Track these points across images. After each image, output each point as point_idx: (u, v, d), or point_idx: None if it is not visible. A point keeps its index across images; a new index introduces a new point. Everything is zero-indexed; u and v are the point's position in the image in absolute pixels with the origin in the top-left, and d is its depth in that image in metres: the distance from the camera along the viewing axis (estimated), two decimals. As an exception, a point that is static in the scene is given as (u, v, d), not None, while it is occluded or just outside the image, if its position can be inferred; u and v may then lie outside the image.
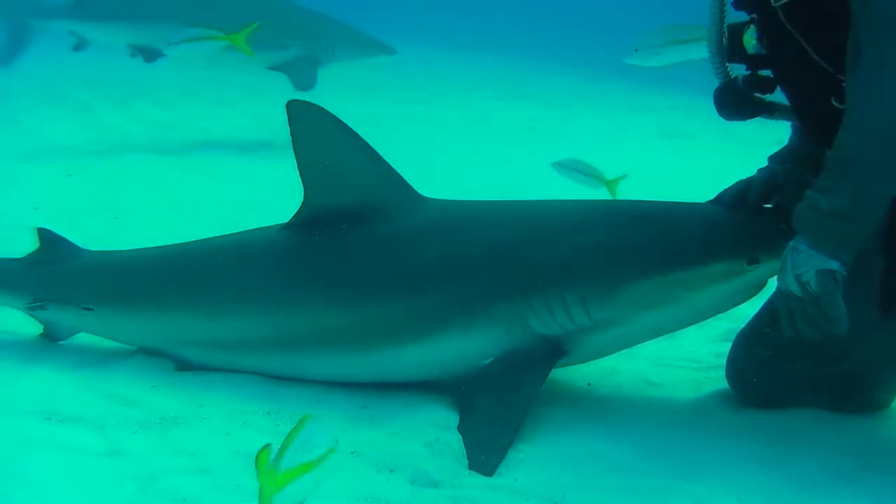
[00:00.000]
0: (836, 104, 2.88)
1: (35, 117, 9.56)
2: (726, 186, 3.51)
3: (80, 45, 8.68)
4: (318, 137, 3.61)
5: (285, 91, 10.98)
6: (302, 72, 8.76)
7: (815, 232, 2.78)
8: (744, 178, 3.47)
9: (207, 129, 9.48)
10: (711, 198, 3.53)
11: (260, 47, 8.65)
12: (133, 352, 3.94)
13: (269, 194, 6.62)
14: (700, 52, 4.63)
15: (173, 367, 3.78)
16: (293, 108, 3.59)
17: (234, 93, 11.19)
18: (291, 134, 3.60)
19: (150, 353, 3.86)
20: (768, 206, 3.40)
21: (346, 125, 3.59)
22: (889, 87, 2.65)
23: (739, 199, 3.41)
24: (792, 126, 3.47)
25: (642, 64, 4.82)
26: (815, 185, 2.82)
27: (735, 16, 3.31)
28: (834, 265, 2.75)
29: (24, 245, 4.18)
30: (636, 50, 4.69)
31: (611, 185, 5.10)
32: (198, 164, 7.91)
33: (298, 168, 3.63)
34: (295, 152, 3.61)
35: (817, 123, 3.12)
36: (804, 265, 2.78)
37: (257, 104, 10.62)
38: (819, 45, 2.91)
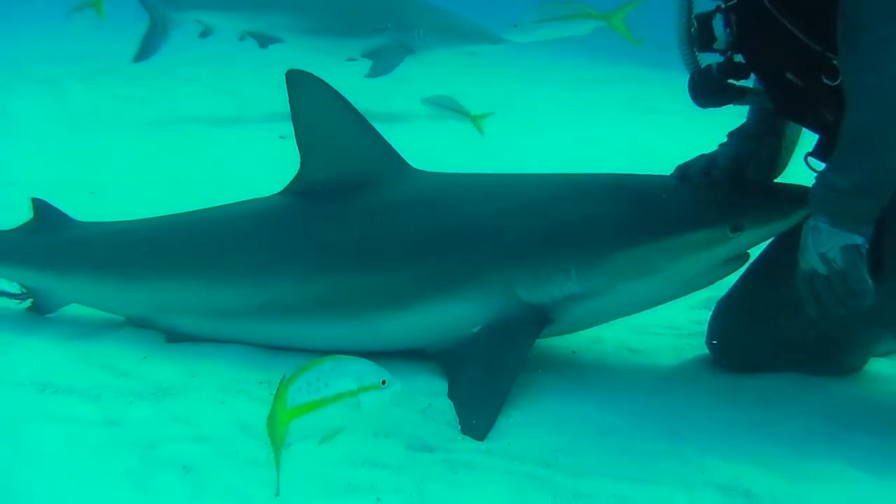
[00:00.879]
0: (827, 81, 2.95)
1: (2, 93, 9.48)
2: (687, 160, 3.57)
3: (204, 33, 9.26)
4: (315, 107, 3.68)
5: (254, 67, 11.01)
6: (385, 58, 9.06)
7: (836, 210, 2.85)
8: (706, 152, 3.54)
9: (179, 105, 9.42)
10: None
11: (354, 34, 9.08)
12: (122, 324, 3.97)
13: (247, 169, 6.68)
14: (574, 30, 4.87)
15: (164, 338, 3.82)
16: (292, 77, 3.66)
17: (204, 69, 11.15)
18: (290, 103, 3.67)
19: (141, 325, 3.90)
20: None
21: (342, 97, 3.66)
22: (895, 63, 2.72)
23: (704, 174, 3.47)
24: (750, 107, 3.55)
25: (520, 39, 5.04)
26: (828, 165, 2.90)
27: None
28: (858, 240, 2.83)
29: (1, 219, 4.22)
30: (514, 25, 4.90)
31: (476, 119, 5.27)
32: (172, 140, 7.88)
33: (296, 137, 3.69)
34: (293, 121, 3.68)
35: (796, 102, 3.19)
36: (827, 243, 2.85)
37: (228, 80, 10.60)
38: (806, 25, 2.96)
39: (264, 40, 9.21)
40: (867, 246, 2.85)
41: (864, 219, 2.84)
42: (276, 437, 2.35)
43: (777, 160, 3.50)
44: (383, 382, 2.47)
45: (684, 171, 3.52)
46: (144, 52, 9.03)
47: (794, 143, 3.54)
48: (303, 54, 9.36)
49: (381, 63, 9.04)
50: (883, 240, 3.02)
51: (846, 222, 2.84)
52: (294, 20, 9.14)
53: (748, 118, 3.54)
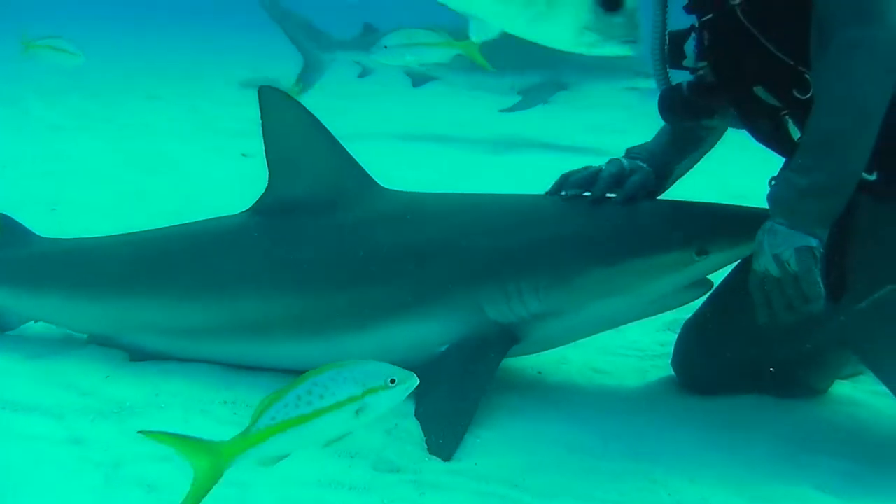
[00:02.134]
0: (798, 95, 3.00)
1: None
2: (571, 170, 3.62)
3: (363, 73, 9.84)
4: (285, 125, 3.65)
5: (213, 84, 11.02)
6: (535, 93, 9.41)
7: (794, 210, 2.87)
8: (593, 165, 3.58)
9: (144, 122, 9.38)
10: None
11: (510, 71, 9.36)
12: (85, 342, 3.92)
13: (210, 186, 6.66)
14: (437, 57, 5.09)
15: (127, 357, 3.77)
16: (265, 94, 3.64)
17: (168, 86, 11.11)
18: (262, 120, 3.65)
19: (104, 343, 3.84)
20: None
21: (313, 115, 3.63)
22: (862, 67, 2.77)
23: (583, 188, 3.52)
24: (662, 129, 3.62)
25: (387, 62, 5.27)
26: (790, 166, 2.92)
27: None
28: (813, 242, 2.85)
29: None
30: (385, 47, 5.11)
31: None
32: (137, 157, 7.84)
33: (266, 154, 3.68)
34: (263, 138, 3.66)
35: (764, 120, 3.22)
36: (783, 245, 2.86)
37: (188, 97, 10.56)
38: (779, 39, 3.01)
39: (420, 79, 9.68)
40: (822, 249, 2.87)
41: (820, 221, 2.87)
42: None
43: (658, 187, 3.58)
44: (392, 381, 2.42)
45: (565, 179, 3.57)
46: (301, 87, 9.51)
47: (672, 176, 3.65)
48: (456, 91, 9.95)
49: (529, 98, 9.38)
50: (845, 263, 3.06)
51: (803, 224, 2.86)
52: (452, 59, 9.40)
53: (653, 140, 3.61)
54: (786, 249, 2.86)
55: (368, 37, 9.51)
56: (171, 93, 10.90)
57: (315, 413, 2.34)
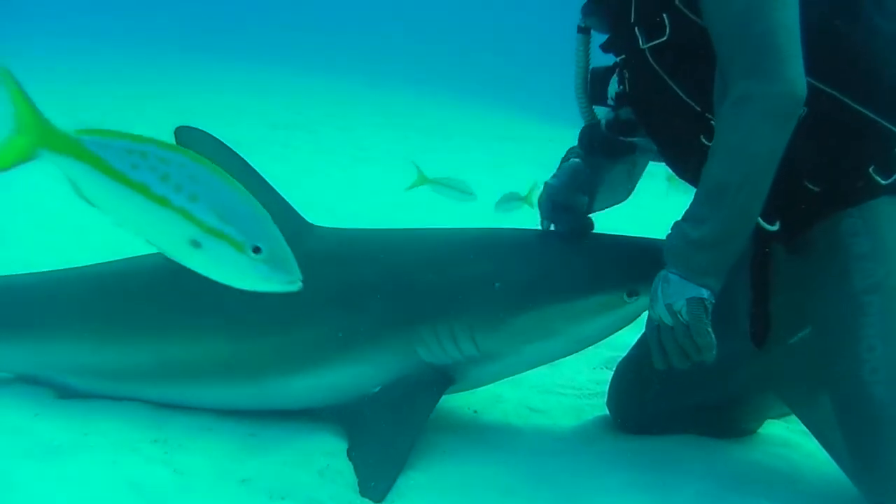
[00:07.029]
0: (704, 141, 3.03)
1: None
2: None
3: None
4: None
5: (169, 115, 10.88)
6: None
7: (685, 261, 2.90)
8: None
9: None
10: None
11: None
12: (11, 380, 3.82)
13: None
14: None
15: (54, 394, 3.69)
16: (181, 134, 3.55)
17: (125, 116, 10.98)
18: None
19: (32, 381, 3.75)
20: None
21: (234, 152, 3.56)
22: (754, 120, 2.79)
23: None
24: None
25: None
26: (684, 216, 2.96)
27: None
28: (704, 293, 2.87)
29: None
30: None
31: None
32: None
33: None
34: None
35: (684, 160, 3.27)
36: (675, 295, 2.89)
37: (149, 128, 10.43)
38: (687, 85, 3.05)
39: None
40: (713, 300, 2.90)
41: (713, 272, 2.90)
42: None
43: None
44: None
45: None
46: None
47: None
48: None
49: None
50: (769, 311, 3.09)
51: (695, 275, 2.89)
52: None
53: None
54: (678, 300, 2.89)
55: None
56: (126, 123, 10.71)
57: None
